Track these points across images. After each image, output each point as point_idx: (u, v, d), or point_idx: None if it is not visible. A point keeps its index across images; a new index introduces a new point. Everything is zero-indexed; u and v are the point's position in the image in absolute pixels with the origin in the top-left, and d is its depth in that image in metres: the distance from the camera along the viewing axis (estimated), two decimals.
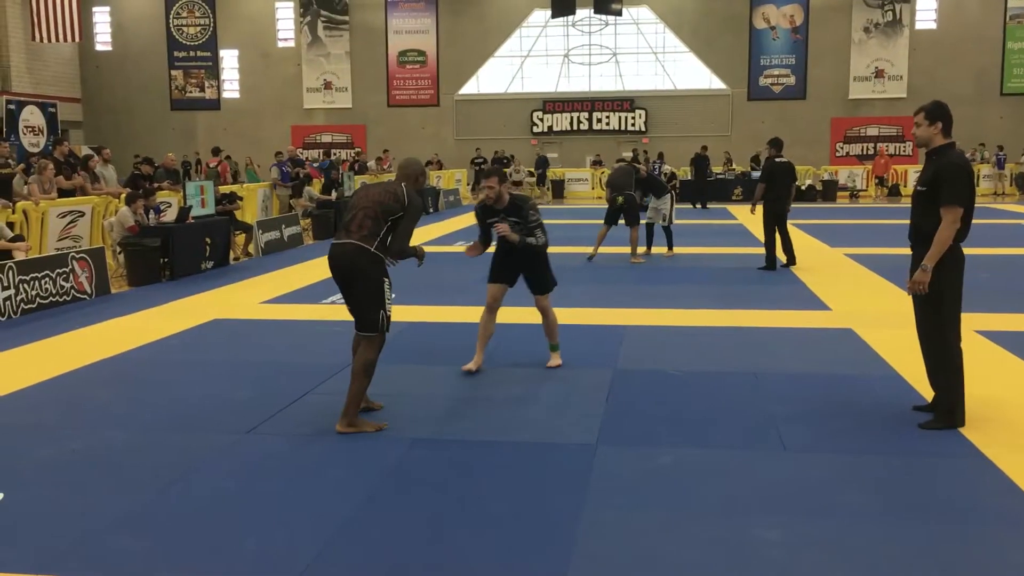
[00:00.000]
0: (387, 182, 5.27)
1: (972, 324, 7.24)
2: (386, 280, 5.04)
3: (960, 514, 4.07)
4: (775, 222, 12.02)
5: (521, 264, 6.43)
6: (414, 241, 5.49)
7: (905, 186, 29.13)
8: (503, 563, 3.60)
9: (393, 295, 5.12)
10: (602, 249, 13.42)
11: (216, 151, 21.39)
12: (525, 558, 3.65)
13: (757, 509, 4.12)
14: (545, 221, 6.54)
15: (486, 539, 3.84)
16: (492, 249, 6.60)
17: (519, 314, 8.09)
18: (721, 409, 5.72)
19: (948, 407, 5.22)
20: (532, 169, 31.80)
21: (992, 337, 7.54)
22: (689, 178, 25.64)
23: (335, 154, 30.05)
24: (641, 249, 13.46)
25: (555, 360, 6.78)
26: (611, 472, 4.61)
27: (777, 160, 12.10)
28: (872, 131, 34.50)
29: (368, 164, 25.26)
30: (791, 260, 12.12)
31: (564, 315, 7.24)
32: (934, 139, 5.22)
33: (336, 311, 9.26)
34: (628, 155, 26.23)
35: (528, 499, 4.25)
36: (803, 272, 11.71)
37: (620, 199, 12.89)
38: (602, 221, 13.41)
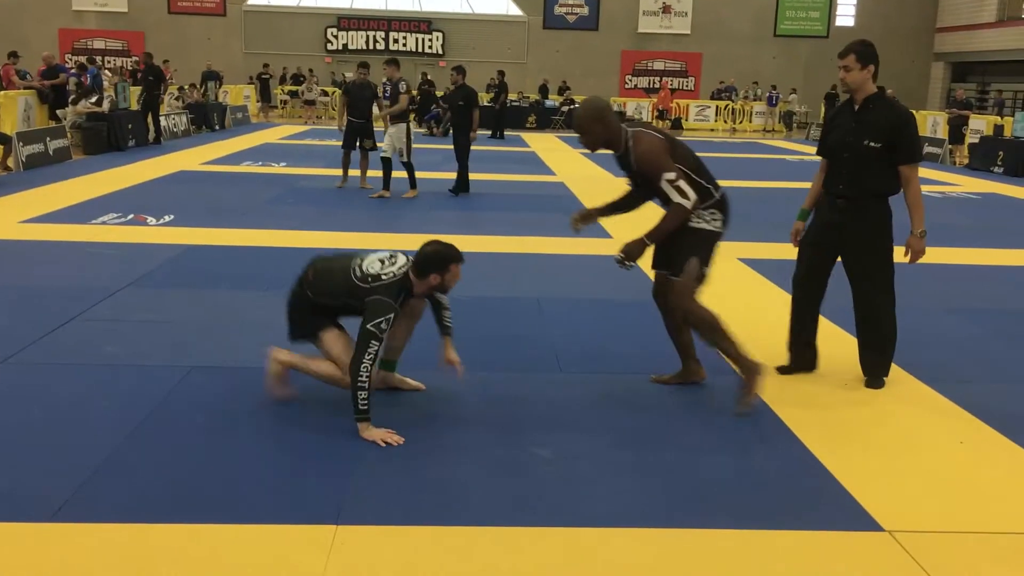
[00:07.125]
0: None
1: (736, 253, 8.85)
2: None
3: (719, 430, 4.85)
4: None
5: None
6: None
7: (687, 120, 36.18)
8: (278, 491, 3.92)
9: None
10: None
11: (13, 55, 20.14)
12: (303, 482, 4.02)
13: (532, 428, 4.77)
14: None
15: (259, 465, 4.17)
16: None
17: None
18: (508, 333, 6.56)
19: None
20: (328, 88, 31.71)
21: (753, 265, 9.00)
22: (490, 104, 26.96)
23: (110, 61, 28.94)
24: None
25: None
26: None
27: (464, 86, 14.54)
28: (658, 65, 39.33)
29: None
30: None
31: None
32: (866, 85, 5.19)
33: (108, 231, 9.22)
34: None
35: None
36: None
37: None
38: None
